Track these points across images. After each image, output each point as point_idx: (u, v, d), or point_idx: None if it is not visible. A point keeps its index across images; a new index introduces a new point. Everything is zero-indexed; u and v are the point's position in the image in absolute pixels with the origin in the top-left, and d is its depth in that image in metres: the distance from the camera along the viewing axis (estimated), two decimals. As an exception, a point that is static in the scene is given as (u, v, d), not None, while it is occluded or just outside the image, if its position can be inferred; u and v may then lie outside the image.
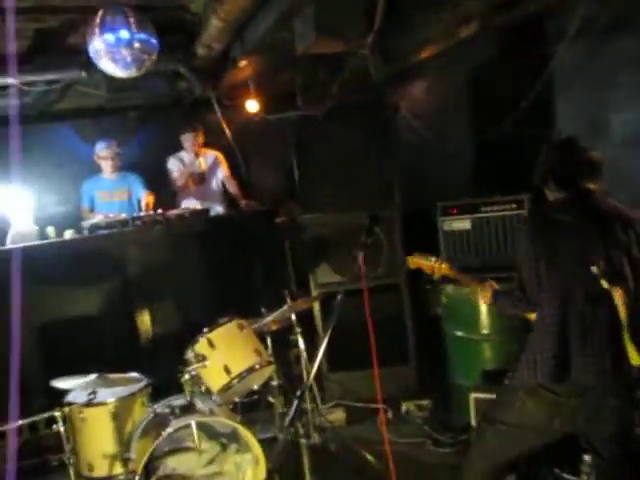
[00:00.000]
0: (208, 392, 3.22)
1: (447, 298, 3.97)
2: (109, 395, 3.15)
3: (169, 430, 2.91)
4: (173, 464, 3.17)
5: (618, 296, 2.16)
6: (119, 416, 3.11)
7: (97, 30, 3.57)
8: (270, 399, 3.70)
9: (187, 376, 3.09)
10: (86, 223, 4.41)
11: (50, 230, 4.41)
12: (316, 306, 4.47)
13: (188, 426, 2.98)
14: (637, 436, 2.51)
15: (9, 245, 4.22)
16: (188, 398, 3.10)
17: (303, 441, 2.78)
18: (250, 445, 3.07)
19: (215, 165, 5.49)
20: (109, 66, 3.72)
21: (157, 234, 4.41)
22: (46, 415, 2.98)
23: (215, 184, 5.50)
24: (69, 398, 3.19)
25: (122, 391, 3.20)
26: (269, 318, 3.46)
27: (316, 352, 2.67)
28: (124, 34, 3.57)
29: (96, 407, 3.10)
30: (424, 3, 3.75)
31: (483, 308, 3.73)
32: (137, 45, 3.64)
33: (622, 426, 2.29)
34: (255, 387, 3.44)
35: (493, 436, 2.44)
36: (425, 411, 4.16)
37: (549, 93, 3.98)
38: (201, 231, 4.57)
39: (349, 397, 4.35)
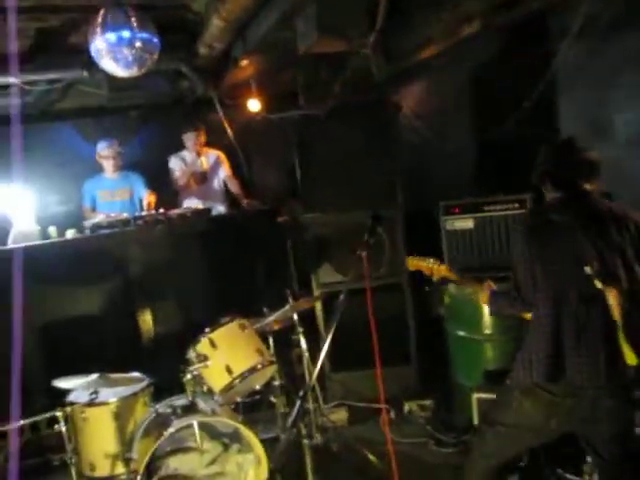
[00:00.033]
0: (210, 392, 3.22)
1: (450, 298, 3.97)
2: (111, 395, 3.15)
3: (171, 430, 2.90)
4: (175, 464, 3.16)
5: (612, 296, 2.17)
6: (121, 416, 3.11)
7: (99, 29, 3.57)
8: (272, 399, 3.69)
9: (189, 376, 3.09)
10: (88, 223, 4.40)
11: (52, 230, 4.41)
12: (318, 306, 4.46)
13: (190, 426, 2.98)
14: (637, 436, 2.51)
15: (11, 245, 4.22)
16: (190, 398, 3.09)
17: (306, 441, 2.77)
18: (252, 445, 3.06)
19: (217, 164, 5.48)
20: (111, 65, 3.71)
21: (159, 234, 4.41)
22: (48, 415, 2.98)
23: (217, 183, 5.50)
24: (71, 398, 3.19)
25: (124, 391, 3.19)
26: (271, 318, 3.45)
27: (319, 352, 2.67)
28: (126, 33, 3.56)
29: (98, 407, 3.10)
30: (426, 2, 3.73)
31: (485, 308, 3.71)
32: (139, 44, 3.63)
33: (620, 426, 2.29)
34: (257, 387, 3.43)
35: (493, 437, 2.45)
36: (427, 411, 4.15)
37: (552, 92, 3.97)
38: (203, 231, 4.56)
39: (351, 397, 4.35)
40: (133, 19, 3.58)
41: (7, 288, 2.25)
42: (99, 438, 3.11)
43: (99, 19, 3.58)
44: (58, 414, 2.96)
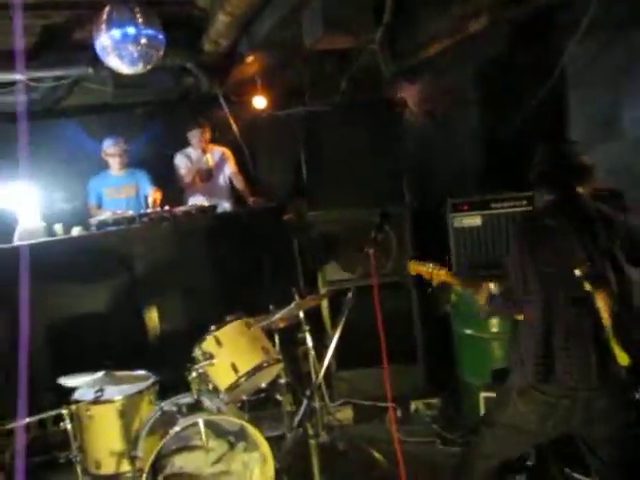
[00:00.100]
0: (215, 390, 3.21)
1: (456, 296, 3.94)
2: (116, 393, 3.14)
3: (176, 428, 2.89)
4: (180, 462, 3.16)
5: (600, 299, 2.19)
6: (126, 414, 3.10)
7: (104, 26, 3.56)
8: (278, 397, 3.68)
9: (194, 374, 3.08)
10: (93, 220, 4.41)
11: (57, 227, 4.42)
12: (324, 303, 4.44)
13: (196, 424, 2.97)
14: (635, 437, 2.49)
15: (16, 242, 4.22)
16: (195, 396, 3.09)
17: (312, 441, 2.75)
18: (258, 443, 3.05)
19: (222, 161, 5.47)
20: (116, 62, 3.71)
21: (164, 231, 4.40)
22: (53, 413, 2.97)
23: (222, 180, 5.48)
24: (76, 396, 3.18)
25: (129, 389, 3.19)
26: (277, 316, 3.44)
27: (325, 350, 2.66)
28: (131, 30, 3.56)
29: (103, 405, 3.09)
30: (433, -2, 3.71)
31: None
32: (144, 41, 3.63)
33: (616, 427, 2.29)
34: (263, 385, 3.42)
35: (492, 438, 2.47)
36: (434, 410, 4.13)
37: (559, 90, 3.93)
38: (208, 228, 4.56)
39: (357, 395, 4.32)
40: (138, 15, 3.57)
41: (13, 286, 2.25)
42: (105, 436, 3.10)
43: (104, 16, 3.57)
44: (64, 412, 2.96)
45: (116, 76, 4.35)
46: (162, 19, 3.75)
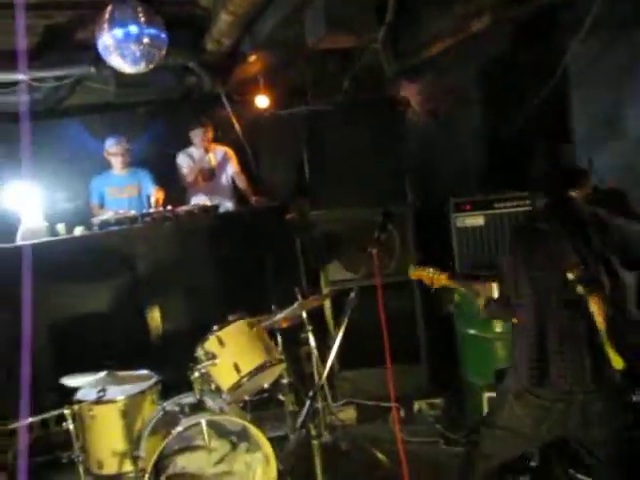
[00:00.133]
0: (218, 390, 3.20)
1: (460, 296, 3.93)
2: (119, 393, 3.14)
3: (179, 428, 2.89)
4: (183, 462, 3.15)
5: (594, 303, 2.20)
6: (129, 414, 3.11)
7: (106, 25, 3.56)
8: (280, 397, 3.67)
9: (197, 374, 3.07)
10: (96, 219, 4.40)
11: (60, 227, 4.41)
12: (327, 303, 4.44)
13: (198, 424, 2.96)
14: (632, 439, 2.49)
15: (19, 242, 4.22)
16: (198, 396, 3.08)
17: (315, 441, 2.75)
18: (260, 444, 3.04)
19: (225, 161, 5.46)
20: (118, 61, 3.71)
21: (167, 230, 4.40)
22: (56, 413, 2.97)
23: (225, 180, 5.48)
24: (79, 396, 3.18)
25: (132, 389, 3.19)
26: (280, 316, 3.43)
27: (327, 350, 2.65)
28: (133, 29, 3.56)
29: (106, 405, 3.09)
30: (436, -3, 3.70)
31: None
32: (146, 40, 3.62)
33: (613, 430, 2.29)
34: (265, 385, 3.42)
35: (491, 439, 2.48)
36: (437, 410, 4.12)
37: (561, 89, 3.92)
38: (211, 227, 4.55)
39: (360, 395, 4.32)
40: (140, 15, 3.57)
41: (16, 285, 2.25)
42: (107, 436, 3.10)
43: (106, 15, 3.57)
44: (66, 412, 2.95)
45: (118, 75, 4.35)
46: (164, 18, 3.75)
